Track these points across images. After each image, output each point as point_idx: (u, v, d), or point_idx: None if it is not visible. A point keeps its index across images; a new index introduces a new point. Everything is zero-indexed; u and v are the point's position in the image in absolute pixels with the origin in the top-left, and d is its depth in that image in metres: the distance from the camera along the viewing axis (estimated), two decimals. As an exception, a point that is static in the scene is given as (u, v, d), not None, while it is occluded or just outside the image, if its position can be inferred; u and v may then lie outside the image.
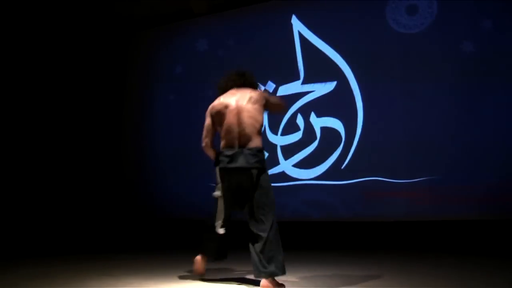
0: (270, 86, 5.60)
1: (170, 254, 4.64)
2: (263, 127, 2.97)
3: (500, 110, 4.68)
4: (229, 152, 2.82)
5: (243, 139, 2.82)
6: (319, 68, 5.55)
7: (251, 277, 2.85)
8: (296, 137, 5.56)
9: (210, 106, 3.00)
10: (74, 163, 6.20)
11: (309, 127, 5.49)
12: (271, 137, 5.68)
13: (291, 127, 5.59)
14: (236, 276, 3.17)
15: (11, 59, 5.65)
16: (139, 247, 5.31)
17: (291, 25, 5.79)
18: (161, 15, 6.63)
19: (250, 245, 2.72)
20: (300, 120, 5.57)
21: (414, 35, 5.09)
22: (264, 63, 5.66)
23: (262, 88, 3.13)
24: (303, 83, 5.62)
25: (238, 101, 2.89)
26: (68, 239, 5.55)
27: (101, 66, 6.59)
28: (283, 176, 5.54)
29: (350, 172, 5.21)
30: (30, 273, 3.31)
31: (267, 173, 2.87)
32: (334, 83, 5.44)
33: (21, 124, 5.72)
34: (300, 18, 5.75)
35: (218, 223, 2.89)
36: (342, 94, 5.38)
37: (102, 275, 3.22)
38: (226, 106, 2.90)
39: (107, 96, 6.65)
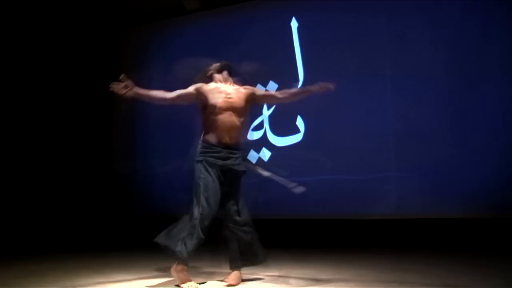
0: (273, 86, 5.63)
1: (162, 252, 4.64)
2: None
3: (490, 106, 4.74)
4: None
5: None
6: (319, 69, 5.53)
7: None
8: (298, 137, 5.61)
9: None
10: (66, 162, 6.24)
11: (309, 126, 5.53)
12: (272, 138, 5.73)
13: (291, 128, 5.63)
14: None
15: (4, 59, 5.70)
16: (133, 245, 5.28)
17: (290, 26, 5.81)
18: (156, 14, 6.65)
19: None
20: (299, 120, 5.61)
21: (407, 39, 5.23)
22: (263, 65, 5.67)
23: None
24: (303, 84, 5.60)
25: None
26: (61, 237, 5.59)
27: (93, 63, 6.59)
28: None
29: (343, 168, 5.25)
30: (19, 271, 3.38)
31: (196, 165, 2.94)
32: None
33: (10, 121, 5.75)
34: (299, 20, 5.77)
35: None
36: (340, 93, 5.38)
37: (92, 273, 3.26)
38: None
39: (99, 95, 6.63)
